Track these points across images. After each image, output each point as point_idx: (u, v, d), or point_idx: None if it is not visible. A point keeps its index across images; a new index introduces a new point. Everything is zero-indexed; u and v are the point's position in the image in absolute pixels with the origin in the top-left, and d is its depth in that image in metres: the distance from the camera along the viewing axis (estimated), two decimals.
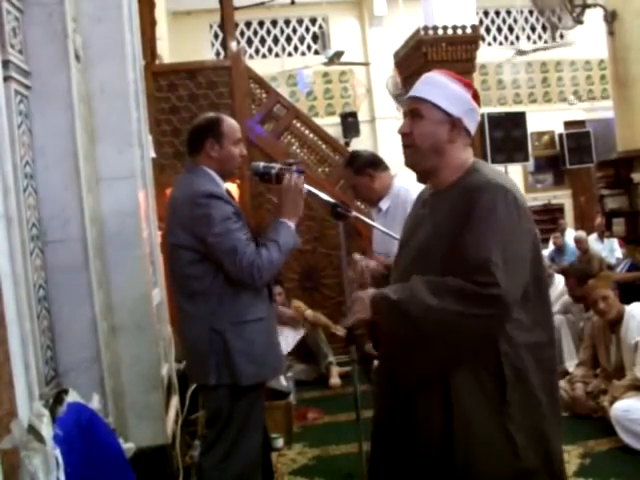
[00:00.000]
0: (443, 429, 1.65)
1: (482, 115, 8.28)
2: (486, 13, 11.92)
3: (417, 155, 1.79)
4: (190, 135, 2.53)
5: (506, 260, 1.59)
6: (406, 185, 3.14)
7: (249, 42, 11.44)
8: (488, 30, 11.93)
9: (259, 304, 2.40)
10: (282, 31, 11.57)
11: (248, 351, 2.33)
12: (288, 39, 11.58)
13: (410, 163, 1.82)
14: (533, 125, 9.84)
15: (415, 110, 1.78)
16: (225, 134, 2.46)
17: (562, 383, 4.26)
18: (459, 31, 6.76)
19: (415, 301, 1.61)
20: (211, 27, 11.09)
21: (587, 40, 10.76)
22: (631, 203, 6.92)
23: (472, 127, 1.81)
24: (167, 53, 8.12)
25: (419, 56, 6.89)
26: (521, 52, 10.79)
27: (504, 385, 1.63)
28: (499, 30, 12.06)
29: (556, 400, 1.78)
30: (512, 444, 1.63)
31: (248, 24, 11.35)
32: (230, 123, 2.49)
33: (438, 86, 1.79)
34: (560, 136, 11.46)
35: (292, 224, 2.40)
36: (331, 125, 10.07)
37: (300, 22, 11.61)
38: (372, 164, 3.16)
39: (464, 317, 1.58)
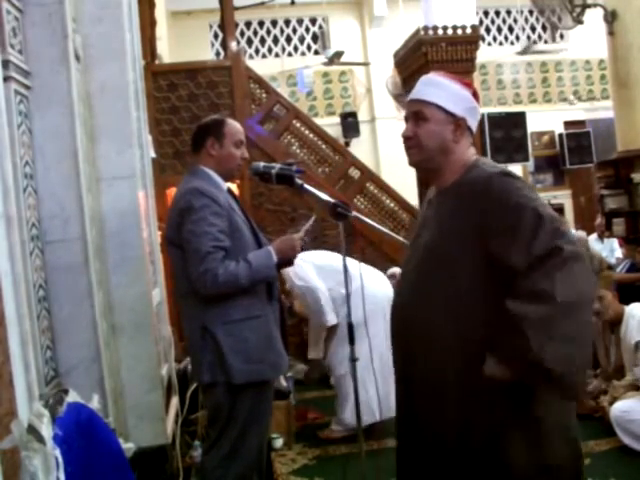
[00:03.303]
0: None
1: (482, 115, 8.28)
2: (486, 13, 11.91)
3: (422, 154, 1.78)
4: (194, 134, 2.57)
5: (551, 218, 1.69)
6: None
7: (249, 42, 11.43)
8: (488, 30, 11.92)
9: (254, 302, 2.39)
10: (282, 31, 11.56)
11: (241, 349, 2.33)
12: (288, 39, 11.57)
13: (415, 162, 1.82)
14: (533, 125, 9.82)
15: (419, 113, 1.77)
16: (227, 134, 2.49)
17: None
18: (459, 31, 6.75)
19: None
20: (211, 27, 11.08)
21: (587, 40, 10.77)
22: (631, 203, 6.94)
23: (474, 125, 1.82)
24: (167, 53, 8.12)
25: (419, 56, 6.88)
26: (521, 52, 10.80)
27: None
28: (499, 30, 12.05)
29: None
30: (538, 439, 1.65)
31: (248, 24, 11.34)
32: (234, 125, 2.54)
33: (439, 87, 1.79)
34: (560, 136, 11.44)
35: (276, 259, 2.39)
36: (331, 125, 10.05)
37: (300, 22, 11.60)
38: None
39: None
